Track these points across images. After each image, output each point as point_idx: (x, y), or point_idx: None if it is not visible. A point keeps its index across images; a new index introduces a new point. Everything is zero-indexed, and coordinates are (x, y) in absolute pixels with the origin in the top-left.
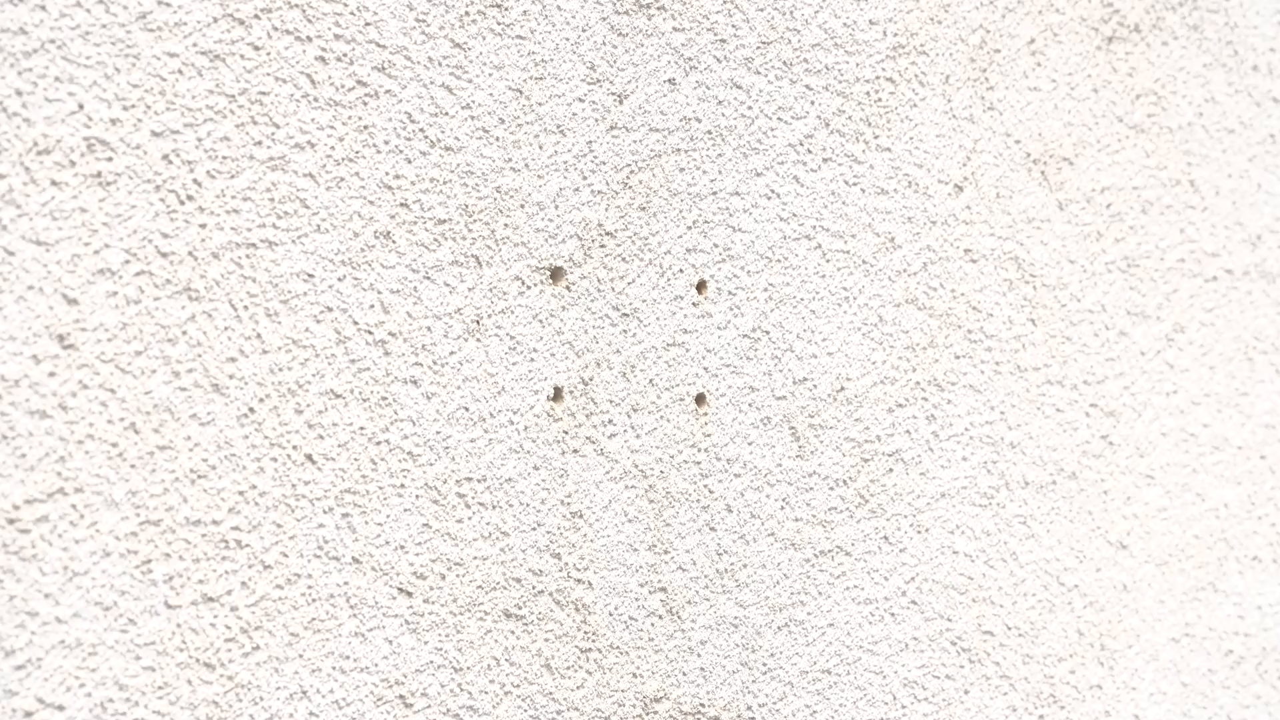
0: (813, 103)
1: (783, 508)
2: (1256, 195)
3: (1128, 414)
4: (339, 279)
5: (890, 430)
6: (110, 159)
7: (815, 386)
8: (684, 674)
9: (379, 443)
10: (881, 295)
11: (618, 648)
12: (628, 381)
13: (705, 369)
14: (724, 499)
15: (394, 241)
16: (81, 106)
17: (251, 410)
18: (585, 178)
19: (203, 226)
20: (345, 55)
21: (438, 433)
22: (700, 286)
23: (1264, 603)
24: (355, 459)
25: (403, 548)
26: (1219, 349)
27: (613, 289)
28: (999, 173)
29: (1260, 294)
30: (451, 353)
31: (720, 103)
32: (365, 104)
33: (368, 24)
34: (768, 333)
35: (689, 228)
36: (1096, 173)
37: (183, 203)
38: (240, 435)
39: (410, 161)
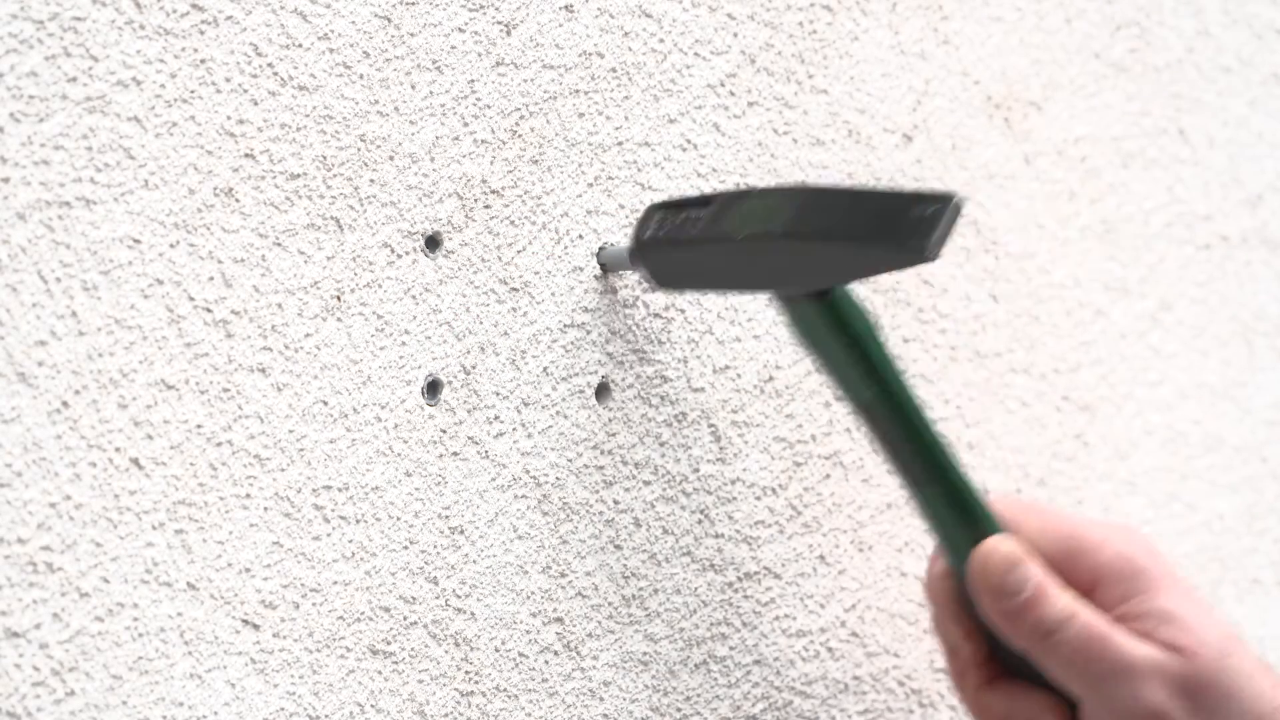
0: (736, 35)
1: (700, 522)
2: (1257, 147)
3: (1106, 408)
4: (171, 245)
5: (827, 429)
6: None
7: (739, 376)
8: None
9: (219, 444)
10: None
11: (505, 690)
12: (517, 370)
13: (609, 355)
14: (631, 511)
15: (237, 200)
16: None
17: (65, 405)
18: (466, 124)
19: (5, 181)
20: None
21: (290, 432)
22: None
23: (1266, 634)
24: (191, 463)
25: (248, 571)
26: (1213, 330)
27: (499, 258)
28: (955, 119)
29: (1261, 264)
30: (307, 335)
31: (626, 34)
32: (202, 33)
33: None
34: (683, 311)
35: (590, 185)
36: (1069, 120)
37: None
38: (51, 435)
39: (257, 103)
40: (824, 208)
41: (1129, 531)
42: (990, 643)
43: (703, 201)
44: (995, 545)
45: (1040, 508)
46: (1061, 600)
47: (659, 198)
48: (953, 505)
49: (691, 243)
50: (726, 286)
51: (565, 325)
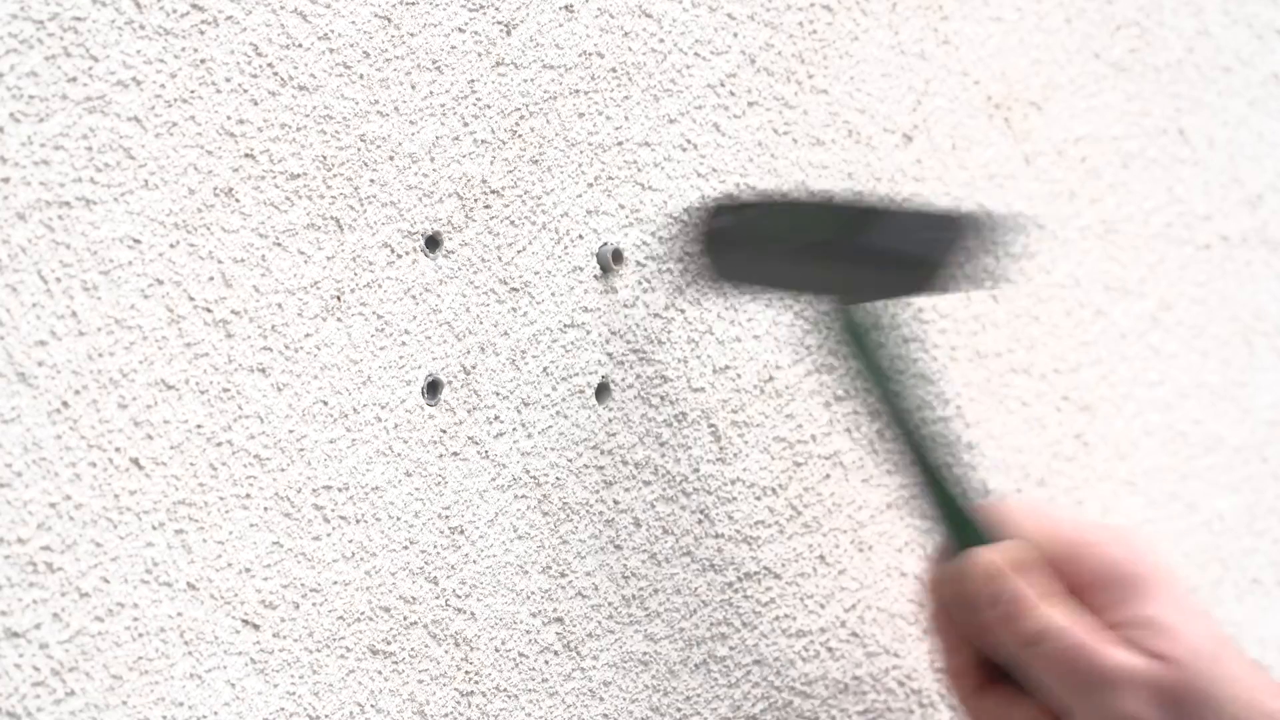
0: (736, 35)
1: (700, 522)
2: (1257, 147)
3: (1105, 408)
4: (171, 245)
5: (827, 429)
6: None
7: (739, 376)
8: None
9: (220, 444)
10: None
11: (505, 690)
12: (517, 370)
13: (609, 355)
14: (631, 511)
15: (237, 200)
16: None
17: (65, 405)
18: (466, 124)
19: (5, 181)
20: None
21: (290, 432)
22: (617, 257)
23: (1266, 635)
24: (191, 463)
25: (248, 570)
26: (1213, 330)
27: (499, 258)
28: (955, 119)
29: (1261, 264)
30: (307, 335)
31: (626, 34)
32: (202, 33)
33: None
34: (683, 311)
35: (590, 185)
36: (1069, 120)
37: None
38: (51, 435)
39: (257, 103)
40: (893, 225)
41: (1125, 534)
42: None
43: (771, 203)
44: (977, 557)
45: (1043, 511)
46: (1040, 611)
47: (659, 198)
48: (946, 514)
49: (762, 241)
50: (784, 288)
51: (565, 325)
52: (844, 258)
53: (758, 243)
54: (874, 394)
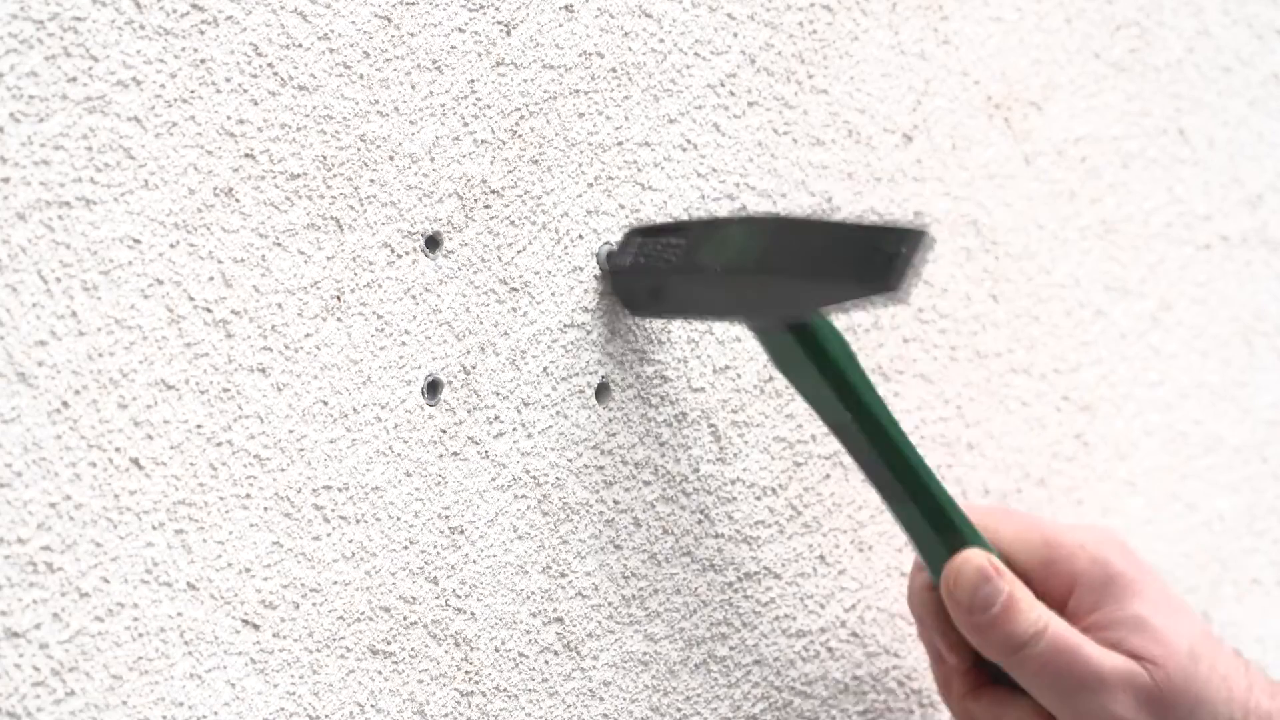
0: (736, 35)
1: (700, 522)
2: (1257, 147)
3: (1105, 408)
4: (171, 245)
5: (827, 429)
6: None
7: (739, 376)
8: None
9: (219, 444)
10: None
11: (505, 690)
12: (517, 370)
13: (609, 355)
14: (631, 511)
15: (237, 200)
16: None
17: (65, 405)
18: (466, 124)
19: (5, 181)
20: None
21: (290, 432)
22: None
23: (1265, 634)
24: (191, 463)
25: (248, 570)
26: (1213, 330)
27: (499, 258)
28: (955, 119)
29: (1261, 264)
30: (307, 335)
31: (626, 34)
32: (202, 33)
33: None
34: None
35: (590, 185)
36: (1069, 120)
37: None
38: (51, 435)
39: (257, 103)
40: (798, 242)
41: (1104, 535)
42: (974, 652)
43: (679, 229)
44: (967, 559)
45: (1016, 515)
46: (1032, 614)
47: (659, 198)
48: (929, 520)
49: (666, 272)
50: (700, 315)
51: (565, 325)
52: (766, 280)
53: (664, 273)
54: (831, 409)
